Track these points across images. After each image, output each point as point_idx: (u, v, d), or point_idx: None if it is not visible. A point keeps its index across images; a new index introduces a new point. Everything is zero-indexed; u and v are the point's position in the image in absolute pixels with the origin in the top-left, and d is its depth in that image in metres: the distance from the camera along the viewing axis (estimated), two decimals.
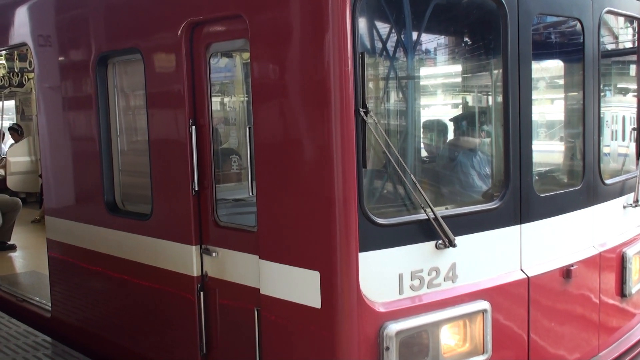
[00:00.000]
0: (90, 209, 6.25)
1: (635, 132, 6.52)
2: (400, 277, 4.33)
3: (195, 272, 5.16)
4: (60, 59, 6.56)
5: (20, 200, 11.81)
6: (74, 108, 6.45)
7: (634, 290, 6.03)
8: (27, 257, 10.84)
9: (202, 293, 5.15)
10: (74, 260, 6.60)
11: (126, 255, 5.82)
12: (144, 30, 5.44)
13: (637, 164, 6.40)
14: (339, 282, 4.13)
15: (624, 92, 7.20)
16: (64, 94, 6.57)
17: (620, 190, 6.09)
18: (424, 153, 5.31)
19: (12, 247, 11.22)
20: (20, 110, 16.86)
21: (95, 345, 6.37)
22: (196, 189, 5.04)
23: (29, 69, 10.63)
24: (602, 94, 5.85)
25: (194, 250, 5.14)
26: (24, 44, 7.12)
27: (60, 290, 6.92)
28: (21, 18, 7.16)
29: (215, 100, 5.16)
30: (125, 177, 6.10)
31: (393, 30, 4.62)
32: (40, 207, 13.42)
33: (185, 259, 5.20)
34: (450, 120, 5.50)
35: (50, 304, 7.12)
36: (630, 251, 5.96)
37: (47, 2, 6.82)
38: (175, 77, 5.08)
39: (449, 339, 4.51)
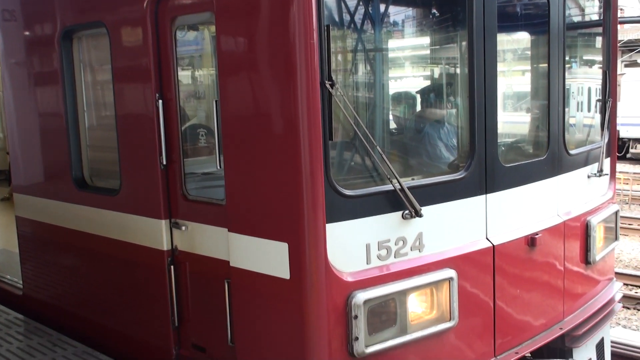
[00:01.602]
0: (59, 185, 6.22)
1: (600, 103, 6.62)
2: (368, 247, 4.40)
3: (165, 246, 5.18)
4: (25, 33, 6.47)
5: None
6: (40, 83, 6.38)
7: (598, 258, 6.17)
8: None
9: (172, 267, 5.18)
10: (44, 237, 6.57)
11: (96, 230, 5.82)
12: (108, 3, 5.39)
13: (601, 135, 6.51)
14: (307, 253, 4.18)
15: (590, 63, 7.28)
16: (29, 69, 6.49)
17: (585, 160, 6.20)
18: (391, 125, 5.35)
19: None
20: None
21: (68, 322, 6.38)
22: (164, 163, 5.05)
23: None
24: (567, 65, 5.91)
25: (164, 224, 5.16)
26: None
27: (31, 268, 6.90)
28: None
29: (182, 74, 5.15)
30: (92, 153, 6.07)
31: (359, 3, 4.63)
32: (9, 185, 13.27)
33: (154, 233, 5.21)
34: (417, 92, 5.54)
35: (21, 282, 7.10)
36: (594, 220, 6.09)
37: None
38: (141, 51, 5.06)
39: (417, 306, 4.60)
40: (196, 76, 5.49)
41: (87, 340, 6.06)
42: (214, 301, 4.91)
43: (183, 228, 5.06)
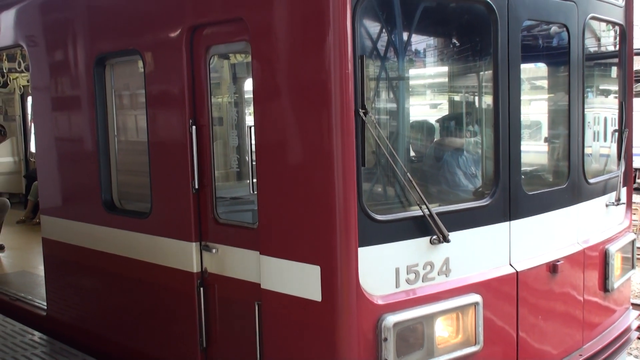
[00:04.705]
0: (88, 208, 6.35)
1: (617, 133, 6.75)
2: (397, 271, 4.51)
3: (195, 268, 5.29)
4: (58, 60, 6.64)
5: (8, 201, 11.80)
6: (72, 109, 6.54)
7: (616, 286, 6.26)
8: (15, 257, 10.84)
9: (202, 289, 5.29)
10: (72, 258, 6.68)
11: (125, 252, 5.93)
12: (144, 32, 5.56)
13: (618, 164, 6.63)
14: (339, 276, 4.29)
15: (606, 93, 7.42)
16: (61, 94, 6.66)
17: (603, 189, 6.32)
18: (420, 152, 5.49)
19: (0, 248, 11.22)
20: (3, 111, 16.77)
21: (93, 343, 6.46)
22: (196, 187, 5.18)
23: (17, 69, 10.66)
24: (585, 95, 6.07)
25: (194, 247, 5.28)
26: (18, 45, 7.19)
27: (56, 289, 7.00)
28: (16, 19, 7.23)
29: (215, 101, 5.30)
30: (122, 177, 6.21)
31: (392, 34, 4.79)
32: (25, 208, 13.43)
33: (185, 255, 5.33)
34: (439, 120, 5.67)
35: (45, 303, 7.20)
36: (612, 248, 6.20)
37: (43, 3, 6.90)
38: (176, 79, 5.21)
39: (443, 330, 4.69)
40: (229, 103, 5.64)
41: None
42: (243, 323, 5.01)
43: (213, 251, 5.18)
